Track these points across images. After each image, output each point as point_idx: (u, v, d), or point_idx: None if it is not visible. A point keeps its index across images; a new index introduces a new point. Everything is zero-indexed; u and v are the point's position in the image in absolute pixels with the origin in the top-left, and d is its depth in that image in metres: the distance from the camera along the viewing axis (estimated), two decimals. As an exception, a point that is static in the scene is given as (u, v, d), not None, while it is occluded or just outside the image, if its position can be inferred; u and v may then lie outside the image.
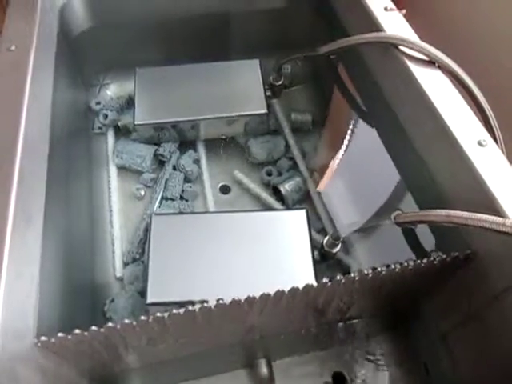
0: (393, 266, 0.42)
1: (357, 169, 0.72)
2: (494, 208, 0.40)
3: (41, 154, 0.50)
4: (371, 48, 0.61)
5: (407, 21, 0.59)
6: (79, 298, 0.57)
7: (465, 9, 0.69)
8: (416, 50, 0.53)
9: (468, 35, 0.69)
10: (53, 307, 0.46)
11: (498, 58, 0.64)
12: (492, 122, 0.51)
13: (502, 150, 0.49)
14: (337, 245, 0.60)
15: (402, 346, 0.62)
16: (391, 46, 0.56)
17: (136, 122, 0.71)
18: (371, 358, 0.61)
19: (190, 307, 0.38)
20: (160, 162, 0.76)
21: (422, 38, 0.55)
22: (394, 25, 0.58)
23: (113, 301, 0.61)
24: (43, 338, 0.37)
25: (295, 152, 0.77)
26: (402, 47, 0.55)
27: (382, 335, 0.62)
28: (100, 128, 0.79)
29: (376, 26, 0.59)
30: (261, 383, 0.59)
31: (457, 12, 0.70)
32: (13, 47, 0.54)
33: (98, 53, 0.80)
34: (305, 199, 0.72)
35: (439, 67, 0.53)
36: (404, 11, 0.60)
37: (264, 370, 0.58)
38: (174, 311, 0.38)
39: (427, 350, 0.58)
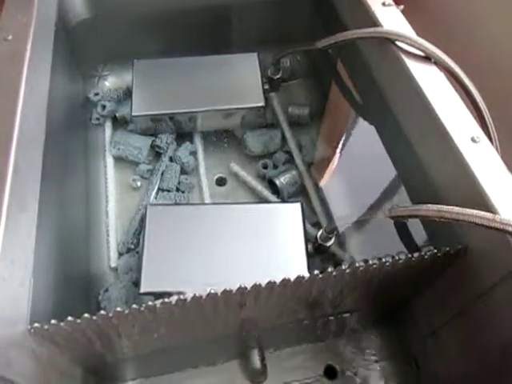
0: (384, 260, 0.42)
1: (352, 163, 0.72)
2: (484, 204, 0.41)
3: (37, 144, 0.50)
4: (368, 42, 0.62)
5: (405, 16, 0.59)
6: (74, 287, 0.58)
7: (462, 5, 0.69)
8: (412, 46, 0.53)
9: (465, 32, 0.69)
10: (47, 295, 0.46)
11: (494, 55, 0.64)
12: (487, 119, 0.52)
13: (496, 146, 0.49)
14: (330, 238, 0.60)
15: (393, 340, 0.62)
16: (388, 41, 0.56)
17: (133, 114, 0.71)
18: (362, 351, 0.62)
19: (182, 296, 0.39)
20: (157, 153, 0.76)
21: (419, 34, 0.55)
22: (392, 20, 0.58)
23: (107, 290, 0.61)
24: (36, 325, 0.37)
25: (292, 145, 0.77)
26: (398, 42, 0.55)
27: (374, 329, 0.63)
28: (98, 119, 0.80)
29: (374, 21, 0.59)
30: (253, 374, 0.59)
31: (454, 8, 0.70)
32: (10, 37, 0.54)
33: (96, 43, 0.80)
34: (300, 192, 0.73)
35: (435, 63, 0.53)
36: (402, 7, 0.60)
37: (257, 362, 0.58)
38: (166, 300, 0.38)
39: (417, 344, 0.58)
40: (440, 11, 0.73)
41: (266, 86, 0.77)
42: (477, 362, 0.48)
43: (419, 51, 0.54)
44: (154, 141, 0.75)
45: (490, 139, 0.50)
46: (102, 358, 0.50)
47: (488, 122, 0.51)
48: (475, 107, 0.52)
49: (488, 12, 0.65)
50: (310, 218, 0.69)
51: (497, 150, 0.48)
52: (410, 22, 0.58)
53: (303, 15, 0.82)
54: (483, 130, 0.48)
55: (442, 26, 0.72)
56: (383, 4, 0.60)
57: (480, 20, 0.66)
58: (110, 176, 0.74)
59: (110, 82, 0.85)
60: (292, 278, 0.40)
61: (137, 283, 0.58)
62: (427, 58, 0.53)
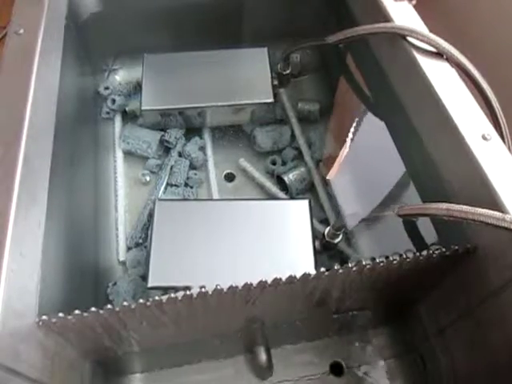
0: (391, 258, 0.42)
1: (362, 160, 0.71)
2: (495, 203, 0.40)
3: (46, 137, 0.50)
4: (379, 38, 0.61)
5: (417, 11, 0.59)
6: (82, 280, 0.58)
7: (476, 0, 0.68)
8: (424, 42, 0.53)
9: (478, 27, 0.68)
10: (55, 288, 0.47)
11: (508, 51, 0.63)
12: (499, 117, 0.51)
13: (508, 144, 0.49)
14: (338, 235, 0.60)
15: (400, 338, 0.62)
16: (399, 37, 0.55)
17: (143, 108, 0.72)
18: (369, 349, 0.62)
19: (188, 292, 0.39)
20: (166, 148, 0.76)
21: (431, 30, 0.55)
22: (404, 15, 0.58)
23: (115, 284, 0.62)
24: (44, 317, 0.38)
25: (301, 142, 0.77)
26: (410, 38, 0.54)
27: (381, 327, 0.63)
28: (108, 113, 0.80)
29: (385, 16, 0.58)
30: (259, 370, 0.60)
31: (468, 3, 0.69)
32: (21, 31, 0.54)
33: (106, 37, 0.80)
34: (309, 189, 0.73)
35: (447, 59, 0.52)
36: (414, 1, 0.59)
37: (263, 357, 0.59)
38: (172, 295, 0.39)
39: (424, 342, 0.58)
40: (453, 6, 0.72)
41: (276, 82, 0.77)
42: (483, 361, 0.47)
43: (431, 47, 0.53)
44: (163, 135, 0.75)
45: (502, 137, 0.49)
46: (110, 350, 0.51)
47: (500, 120, 0.51)
48: (487, 104, 0.51)
49: (502, 7, 0.64)
50: (318, 214, 0.69)
51: (509, 148, 0.47)
52: (422, 17, 0.58)
53: (314, 10, 0.82)
54: (495, 127, 0.48)
55: (455, 21, 0.71)
56: (395, -2, 0.60)
57: (493, 15, 0.65)
58: (120, 170, 0.74)
59: (121, 76, 0.86)
60: (298, 275, 0.40)
61: (145, 277, 0.59)
62: (439, 54, 0.53)
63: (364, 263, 0.41)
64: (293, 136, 0.78)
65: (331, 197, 0.71)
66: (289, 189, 0.70)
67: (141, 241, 0.67)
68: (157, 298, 0.38)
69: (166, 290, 0.55)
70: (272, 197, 0.72)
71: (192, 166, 0.75)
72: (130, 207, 0.71)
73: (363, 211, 0.62)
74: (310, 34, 0.71)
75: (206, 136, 0.79)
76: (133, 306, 0.38)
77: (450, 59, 0.52)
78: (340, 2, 0.72)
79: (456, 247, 0.43)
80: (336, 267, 0.41)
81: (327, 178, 0.73)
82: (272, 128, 0.77)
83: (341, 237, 0.61)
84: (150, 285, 0.55)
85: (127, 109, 0.79)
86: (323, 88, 0.86)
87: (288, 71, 0.78)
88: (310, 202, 0.61)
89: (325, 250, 0.63)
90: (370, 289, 0.49)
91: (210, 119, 0.77)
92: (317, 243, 0.59)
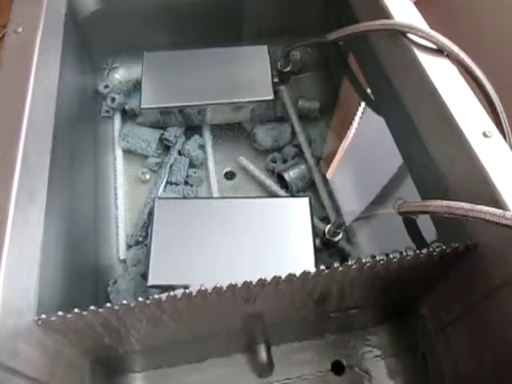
0: (391, 256, 0.41)
1: (362, 158, 0.71)
2: (495, 200, 0.40)
3: (45, 135, 0.50)
4: (380, 35, 0.61)
5: (418, 8, 0.58)
6: (82, 279, 0.58)
7: (478, -3, 0.67)
8: (425, 38, 0.52)
9: (480, 24, 0.67)
10: (55, 286, 0.47)
11: (509, 48, 0.63)
12: (500, 114, 0.51)
13: (510, 142, 0.48)
14: (338, 233, 0.60)
15: (401, 336, 0.62)
16: (399, 34, 0.55)
17: (142, 106, 0.71)
18: (370, 347, 0.62)
19: (188, 290, 0.39)
20: (165, 146, 0.76)
21: (432, 26, 0.54)
22: (404, 12, 0.57)
23: (115, 282, 0.62)
24: (43, 316, 0.38)
25: (301, 139, 0.76)
26: (410, 35, 0.54)
27: (382, 325, 0.63)
28: (107, 111, 0.80)
29: (385, 13, 0.58)
30: (260, 368, 0.60)
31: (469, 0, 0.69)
32: (20, 29, 0.54)
33: (106, 36, 0.79)
34: (309, 187, 0.72)
35: (448, 56, 0.52)
36: (414, -2, 0.59)
37: (263, 356, 0.59)
38: (172, 293, 0.38)
39: (425, 341, 0.58)
40: (454, 3, 0.72)
41: (276, 79, 0.77)
42: (485, 360, 0.47)
43: (431, 44, 0.52)
44: (162, 134, 0.75)
45: (504, 134, 0.49)
46: (110, 349, 0.50)
47: (501, 117, 0.50)
48: (488, 101, 0.51)
49: (503, 5, 0.63)
50: (318, 212, 0.69)
51: (510, 145, 0.47)
52: (423, 14, 0.57)
53: (314, 7, 0.81)
54: (496, 124, 0.47)
55: (456, 18, 0.71)
56: (395, -5, 0.59)
57: (494, 13, 0.65)
58: (119, 168, 0.74)
59: (120, 75, 0.85)
60: (297, 274, 0.40)
61: (145, 276, 0.59)
62: (440, 51, 0.52)
63: (364, 261, 0.41)
64: (293, 134, 0.77)
65: (332, 194, 0.71)
66: (289, 186, 0.70)
67: (141, 239, 0.67)
68: (156, 296, 0.38)
69: (166, 288, 0.55)
70: (272, 195, 0.72)
71: (192, 165, 0.75)
72: (130, 205, 0.71)
73: (363, 209, 0.61)
74: (311, 31, 0.71)
75: (206, 134, 0.78)
76: (132, 305, 0.38)
77: (451, 56, 0.52)
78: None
79: (456, 244, 0.43)
80: (336, 265, 0.40)
81: (327, 175, 0.73)
82: (272, 126, 0.77)
83: (341, 235, 0.60)
84: (150, 283, 0.55)
85: (127, 107, 0.79)
86: (324, 85, 0.86)
87: (288, 68, 0.78)
88: (310, 200, 0.61)
89: (325, 248, 0.63)
90: (370, 287, 0.49)
91: (209, 117, 0.76)
92: (317, 241, 0.59)
